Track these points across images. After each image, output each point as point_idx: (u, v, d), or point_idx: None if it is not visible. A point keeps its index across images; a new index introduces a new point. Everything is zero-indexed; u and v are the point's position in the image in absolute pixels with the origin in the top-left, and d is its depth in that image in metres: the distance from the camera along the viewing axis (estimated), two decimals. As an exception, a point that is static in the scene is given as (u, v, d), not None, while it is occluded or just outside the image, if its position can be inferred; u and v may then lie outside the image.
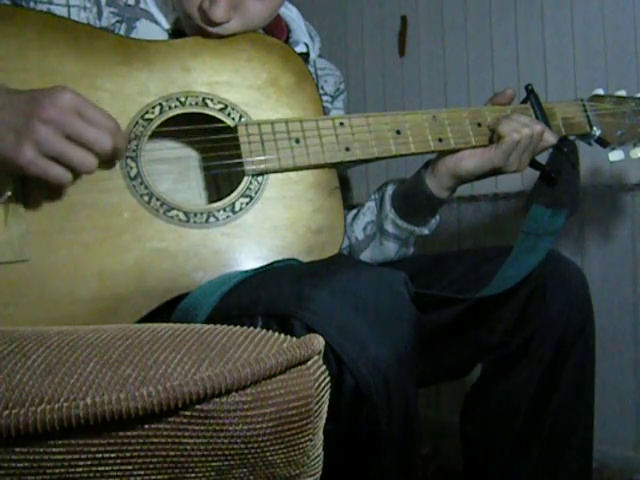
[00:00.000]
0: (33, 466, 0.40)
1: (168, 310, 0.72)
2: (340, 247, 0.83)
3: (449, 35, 1.69)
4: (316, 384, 0.46)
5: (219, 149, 0.82)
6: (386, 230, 0.95)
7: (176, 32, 0.87)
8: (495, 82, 1.60)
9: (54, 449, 0.40)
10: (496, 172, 0.92)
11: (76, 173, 0.69)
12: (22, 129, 0.64)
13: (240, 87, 0.84)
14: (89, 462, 0.41)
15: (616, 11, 1.40)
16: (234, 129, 0.81)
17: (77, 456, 0.41)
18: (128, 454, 0.41)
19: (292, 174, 0.83)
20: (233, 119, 0.82)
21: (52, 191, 0.72)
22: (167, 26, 0.87)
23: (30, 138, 0.64)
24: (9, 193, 0.71)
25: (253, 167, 0.81)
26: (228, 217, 0.79)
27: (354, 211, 1.03)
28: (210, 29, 0.82)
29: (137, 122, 0.78)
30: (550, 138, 0.91)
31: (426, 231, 0.96)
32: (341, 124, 0.85)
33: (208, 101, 0.82)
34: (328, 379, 0.48)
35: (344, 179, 1.07)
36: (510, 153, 0.89)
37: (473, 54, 1.65)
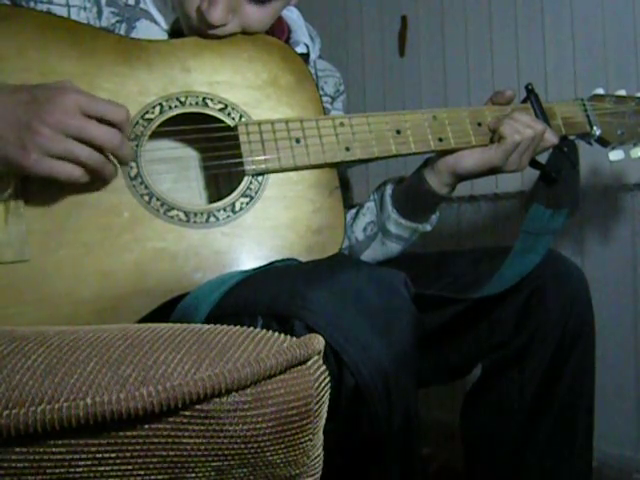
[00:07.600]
0: (33, 466, 0.40)
1: (168, 310, 0.72)
2: (340, 247, 0.83)
3: (449, 35, 1.69)
4: (316, 384, 0.46)
5: (219, 149, 0.82)
6: (389, 230, 0.95)
7: (175, 33, 0.87)
8: (495, 82, 1.60)
9: (54, 449, 0.40)
10: (495, 171, 0.92)
11: (87, 171, 0.69)
12: (25, 131, 0.64)
13: (240, 87, 0.84)
14: (89, 462, 0.41)
15: (616, 11, 1.40)
16: (234, 129, 0.81)
17: (77, 456, 0.41)
18: (128, 454, 0.41)
19: (292, 174, 0.83)
20: (233, 119, 0.82)
21: (52, 191, 0.72)
22: (166, 27, 0.87)
23: (33, 140, 0.64)
24: (9, 191, 0.70)
25: (253, 167, 0.81)
26: (228, 217, 0.79)
27: (353, 211, 1.03)
28: (207, 31, 0.82)
29: (137, 122, 0.78)
30: (551, 138, 0.91)
31: (428, 227, 0.96)
32: (341, 124, 0.85)
33: (208, 101, 0.82)
34: (328, 379, 0.48)
35: (344, 179, 1.07)
36: (510, 153, 0.89)
37: (473, 54, 1.65)
